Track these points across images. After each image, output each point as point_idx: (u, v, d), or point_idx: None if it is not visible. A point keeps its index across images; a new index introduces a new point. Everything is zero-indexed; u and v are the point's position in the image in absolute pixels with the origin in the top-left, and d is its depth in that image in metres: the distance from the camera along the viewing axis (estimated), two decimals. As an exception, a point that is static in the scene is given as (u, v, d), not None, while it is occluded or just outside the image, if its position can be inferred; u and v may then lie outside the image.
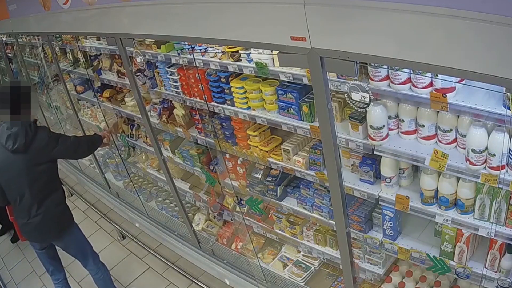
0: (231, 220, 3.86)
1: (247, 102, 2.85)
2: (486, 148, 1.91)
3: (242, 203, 3.51)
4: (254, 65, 2.57)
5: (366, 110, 2.03)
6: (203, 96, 3.08)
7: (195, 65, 2.95)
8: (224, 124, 3.16)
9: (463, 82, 1.88)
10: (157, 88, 3.56)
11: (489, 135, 1.90)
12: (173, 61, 3.14)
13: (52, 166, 3.31)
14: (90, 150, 3.73)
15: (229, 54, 2.72)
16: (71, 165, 6.09)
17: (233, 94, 2.89)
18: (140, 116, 3.73)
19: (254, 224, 3.49)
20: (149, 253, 4.61)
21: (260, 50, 2.49)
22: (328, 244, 3.04)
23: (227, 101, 2.97)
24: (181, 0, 2.42)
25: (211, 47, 2.87)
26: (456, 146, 2.11)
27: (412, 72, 1.93)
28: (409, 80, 2.00)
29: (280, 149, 2.87)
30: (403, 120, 2.21)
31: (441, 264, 2.33)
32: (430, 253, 2.38)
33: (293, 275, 3.40)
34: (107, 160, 5.44)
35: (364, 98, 1.95)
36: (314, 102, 2.35)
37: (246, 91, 2.81)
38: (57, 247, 3.70)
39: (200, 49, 2.93)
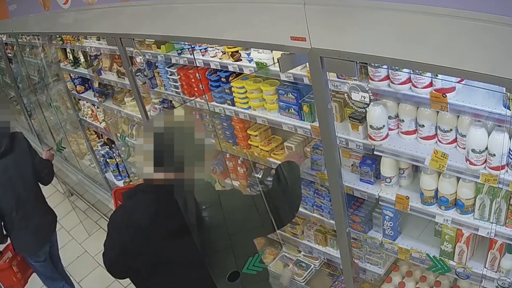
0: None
1: (247, 102, 2.85)
2: (486, 148, 1.91)
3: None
4: (254, 65, 2.57)
5: (366, 110, 2.02)
6: (204, 96, 3.08)
7: (195, 65, 2.95)
8: (224, 124, 3.16)
9: (463, 82, 1.88)
10: (157, 88, 3.55)
11: (489, 135, 1.90)
12: (173, 61, 3.13)
13: (34, 173, 3.42)
14: (50, 174, 3.69)
15: (229, 53, 2.72)
16: (71, 165, 6.08)
17: (234, 94, 2.89)
18: (140, 116, 3.72)
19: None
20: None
21: (260, 50, 2.49)
22: (329, 244, 3.04)
23: (227, 101, 2.97)
24: (181, 0, 2.42)
25: (211, 47, 2.87)
26: (456, 146, 2.11)
27: (412, 72, 1.93)
28: (409, 80, 2.00)
29: (281, 149, 2.87)
30: (403, 120, 2.21)
31: (441, 264, 2.33)
32: (430, 253, 2.37)
33: (294, 275, 3.39)
34: (107, 160, 5.44)
35: (364, 98, 1.95)
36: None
37: (246, 91, 2.81)
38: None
39: (200, 49, 2.93)
